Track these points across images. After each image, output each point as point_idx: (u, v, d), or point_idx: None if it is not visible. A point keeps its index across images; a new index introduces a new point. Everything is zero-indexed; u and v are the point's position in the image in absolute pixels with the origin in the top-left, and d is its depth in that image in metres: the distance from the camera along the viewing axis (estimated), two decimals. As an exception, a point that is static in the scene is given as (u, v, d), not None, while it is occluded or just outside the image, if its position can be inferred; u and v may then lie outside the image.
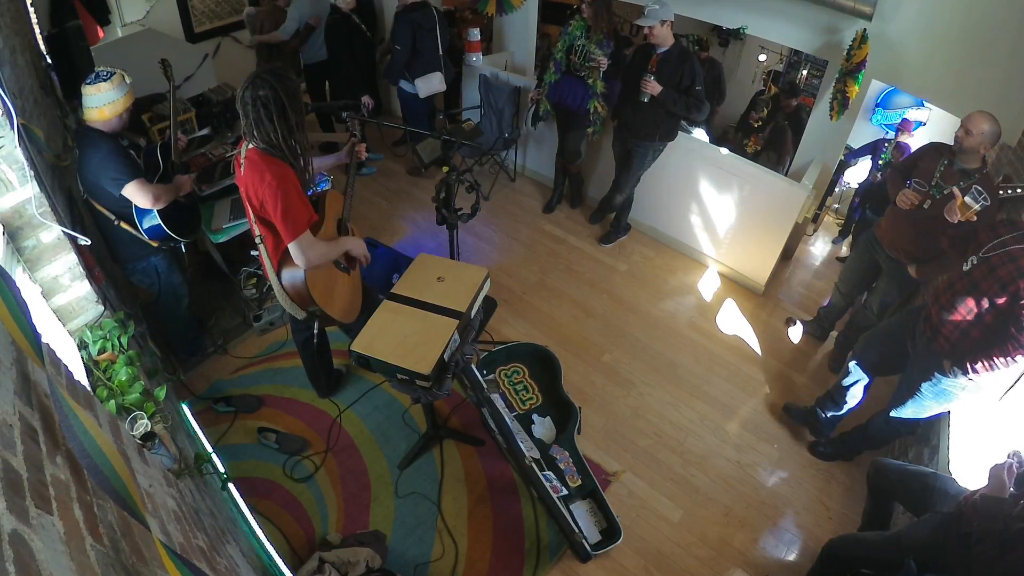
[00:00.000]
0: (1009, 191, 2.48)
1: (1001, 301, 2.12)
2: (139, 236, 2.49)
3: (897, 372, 2.68)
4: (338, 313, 2.34)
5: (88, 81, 2.25)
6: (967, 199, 2.32)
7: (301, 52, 4.56)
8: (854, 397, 2.84)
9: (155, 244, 2.54)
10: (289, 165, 2.01)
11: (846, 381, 2.85)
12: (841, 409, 2.91)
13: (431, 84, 4.20)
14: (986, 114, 2.47)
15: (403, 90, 4.33)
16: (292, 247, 2.04)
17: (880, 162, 4.74)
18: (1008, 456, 1.92)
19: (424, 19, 4.02)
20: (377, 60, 4.85)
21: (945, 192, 2.62)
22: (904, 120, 4.89)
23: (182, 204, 2.63)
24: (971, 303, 2.21)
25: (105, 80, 2.25)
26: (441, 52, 4.14)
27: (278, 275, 2.18)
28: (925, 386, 2.42)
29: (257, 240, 2.20)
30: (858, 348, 2.87)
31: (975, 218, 2.34)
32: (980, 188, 2.29)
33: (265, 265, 2.22)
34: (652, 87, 3.39)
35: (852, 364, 2.83)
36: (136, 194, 2.33)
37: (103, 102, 2.26)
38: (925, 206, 2.69)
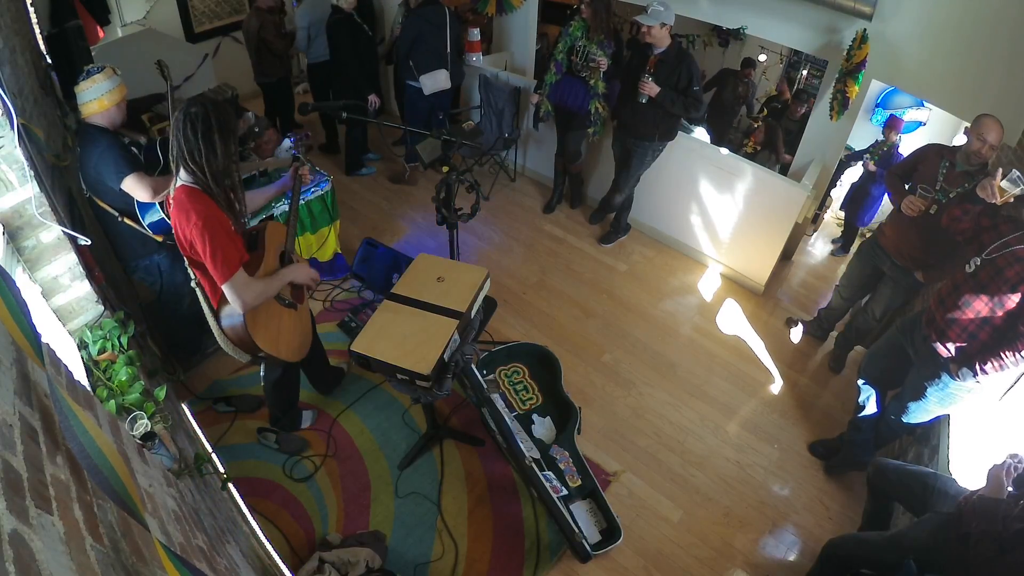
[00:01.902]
0: None
1: (1011, 303, 2.12)
2: (143, 232, 2.49)
3: (901, 383, 2.67)
4: (286, 354, 2.21)
5: (80, 79, 2.26)
6: (1004, 183, 2.18)
7: (307, 52, 4.57)
8: (870, 410, 2.83)
9: (160, 239, 2.54)
10: (215, 201, 1.91)
11: (859, 399, 2.86)
12: (865, 429, 2.86)
13: (435, 81, 4.20)
14: (994, 119, 2.46)
15: (410, 86, 4.35)
16: (226, 289, 1.93)
17: (867, 157, 4.60)
18: (1008, 457, 1.92)
19: (434, 16, 4.03)
20: (379, 58, 4.85)
21: (951, 196, 2.60)
22: (892, 117, 4.66)
23: None
24: (979, 305, 2.21)
25: (98, 72, 2.27)
26: (448, 50, 4.15)
27: (217, 320, 2.06)
28: (930, 389, 2.41)
29: (193, 284, 2.09)
30: (862, 366, 2.88)
31: (1012, 201, 2.23)
32: (1020, 173, 2.16)
33: (204, 309, 2.11)
34: (650, 88, 3.39)
35: (860, 382, 2.85)
36: (135, 187, 2.33)
37: (100, 92, 2.27)
38: (931, 211, 2.65)
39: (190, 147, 1.83)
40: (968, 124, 4.40)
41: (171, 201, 1.93)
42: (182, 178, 1.89)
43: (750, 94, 6.21)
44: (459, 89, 4.81)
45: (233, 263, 1.91)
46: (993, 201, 2.22)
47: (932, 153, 2.75)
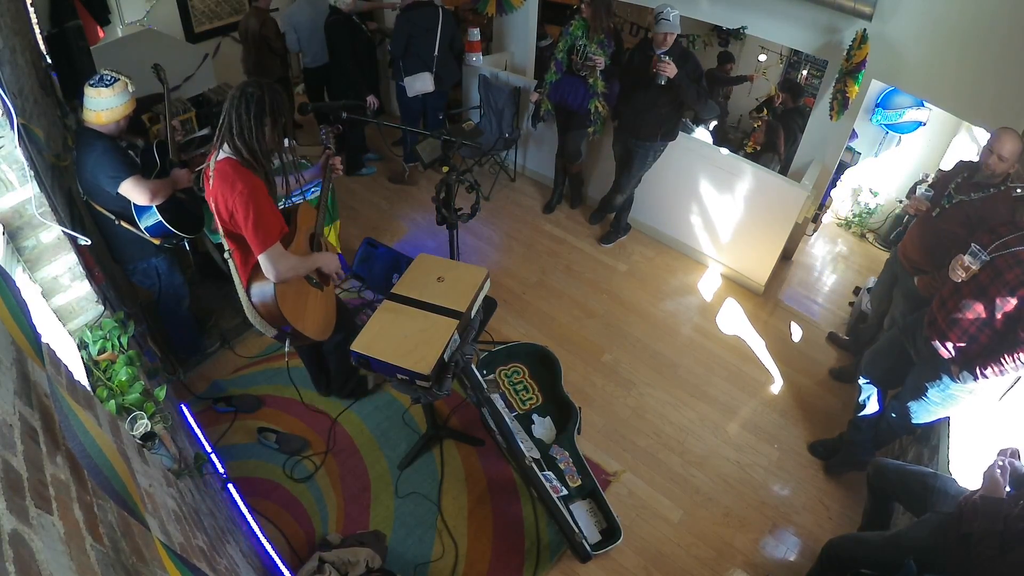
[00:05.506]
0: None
1: (1009, 306, 2.12)
2: (141, 235, 2.48)
3: (902, 383, 2.66)
4: (311, 331, 2.27)
5: (91, 83, 2.24)
6: (966, 258, 2.18)
7: (301, 56, 4.56)
8: (871, 409, 2.82)
9: (157, 242, 2.53)
10: (258, 176, 1.98)
11: (860, 398, 2.85)
12: (865, 429, 2.85)
13: (419, 84, 4.18)
14: (1011, 132, 2.40)
15: (400, 87, 4.34)
16: (262, 259, 1.99)
17: None
18: (998, 455, 1.93)
19: (421, 19, 3.99)
20: (379, 60, 4.85)
21: (955, 202, 2.59)
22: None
23: (182, 200, 2.62)
24: (979, 308, 2.20)
25: (108, 86, 2.24)
26: (436, 53, 4.12)
27: (247, 291, 2.13)
28: (931, 390, 2.41)
29: (226, 255, 2.15)
30: (864, 365, 2.87)
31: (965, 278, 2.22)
32: (980, 245, 2.17)
33: (235, 281, 2.18)
34: (669, 69, 3.25)
35: (861, 381, 2.84)
36: (133, 191, 2.32)
37: (102, 107, 2.25)
38: (934, 214, 2.67)
39: (241, 125, 1.89)
40: (967, 124, 4.41)
41: (210, 173, 1.97)
42: (225, 151, 1.95)
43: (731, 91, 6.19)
44: (452, 89, 4.79)
45: (273, 233, 1.98)
46: (960, 278, 2.21)
47: (959, 167, 2.74)
